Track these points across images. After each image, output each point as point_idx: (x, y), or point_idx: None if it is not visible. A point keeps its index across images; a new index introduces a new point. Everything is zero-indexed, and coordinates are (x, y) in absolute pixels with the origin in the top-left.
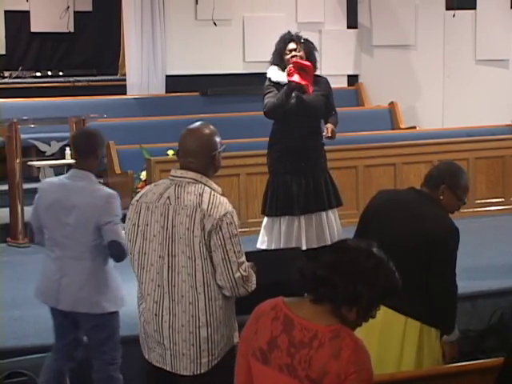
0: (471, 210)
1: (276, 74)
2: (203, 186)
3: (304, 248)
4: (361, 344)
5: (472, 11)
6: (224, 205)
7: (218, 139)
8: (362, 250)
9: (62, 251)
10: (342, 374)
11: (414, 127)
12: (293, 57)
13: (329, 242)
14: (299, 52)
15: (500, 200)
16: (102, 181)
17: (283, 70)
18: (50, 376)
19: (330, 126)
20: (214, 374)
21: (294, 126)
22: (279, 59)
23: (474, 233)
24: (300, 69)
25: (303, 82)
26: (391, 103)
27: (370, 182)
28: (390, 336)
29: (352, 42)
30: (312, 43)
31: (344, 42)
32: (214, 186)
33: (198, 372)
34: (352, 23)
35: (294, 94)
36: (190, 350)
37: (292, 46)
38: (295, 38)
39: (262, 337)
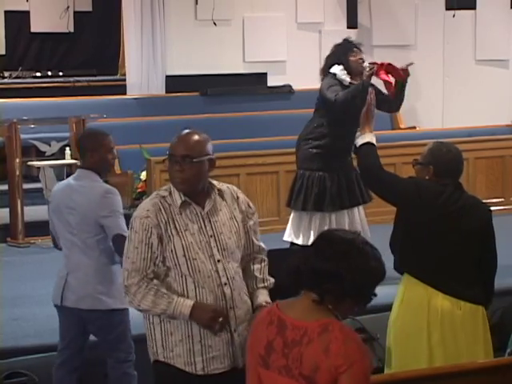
0: None
1: (341, 73)
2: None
3: None
4: (352, 336)
5: (472, 11)
6: (138, 210)
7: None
8: (355, 241)
9: (68, 249)
10: (333, 368)
11: (414, 127)
12: (361, 58)
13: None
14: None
15: (500, 200)
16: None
17: (347, 72)
18: (58, 377)
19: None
20: (155, 369)
21: (347, 127)
22: (344, 59)
23: None
24: (389, 72)
25: (393, 82)
26: None
27: None
28: (454, 326)
29: None
30: None
31: None
32: (164, 191)
33: (151, 360)
34: (352, 23)
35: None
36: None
37: (357, 50)
38: (359, 47)
39: (260, 343)
